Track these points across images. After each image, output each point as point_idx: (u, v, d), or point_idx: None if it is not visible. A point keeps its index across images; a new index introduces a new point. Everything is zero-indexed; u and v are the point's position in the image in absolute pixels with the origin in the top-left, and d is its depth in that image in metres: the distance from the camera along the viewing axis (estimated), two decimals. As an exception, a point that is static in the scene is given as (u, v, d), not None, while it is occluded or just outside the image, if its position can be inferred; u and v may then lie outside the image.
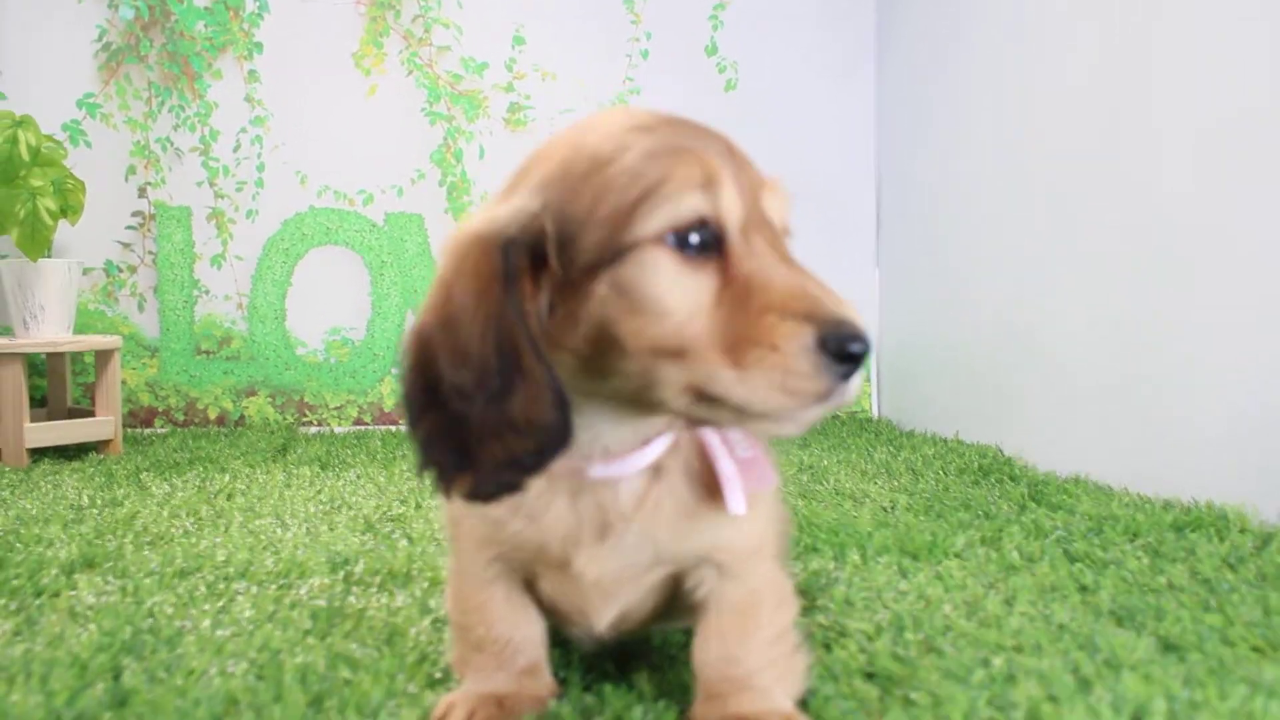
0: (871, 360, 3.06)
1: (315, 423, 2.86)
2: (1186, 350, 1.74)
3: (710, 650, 0.84)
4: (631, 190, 0.68)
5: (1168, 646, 1.03)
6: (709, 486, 0.81)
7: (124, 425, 2.75)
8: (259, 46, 2.81)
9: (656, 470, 0.80)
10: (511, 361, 0.69)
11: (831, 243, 3.05)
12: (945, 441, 2.47)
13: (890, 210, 3.00)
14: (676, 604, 0.88)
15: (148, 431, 2.75)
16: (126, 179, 2.78)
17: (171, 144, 2.79)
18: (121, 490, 1.89)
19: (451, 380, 0.69)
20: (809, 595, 1.22)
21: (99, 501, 1.79)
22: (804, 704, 0.88)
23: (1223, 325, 1.66)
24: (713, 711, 0.83)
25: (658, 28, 2.95)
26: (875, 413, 3.08)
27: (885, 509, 1.72)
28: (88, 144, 2.74)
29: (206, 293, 2.82)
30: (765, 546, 0.87)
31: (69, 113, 2.73)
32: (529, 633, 0.89)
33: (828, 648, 1.04)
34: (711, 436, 0.81)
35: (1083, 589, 1.23)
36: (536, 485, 0.79)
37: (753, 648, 0.84)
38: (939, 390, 2.68)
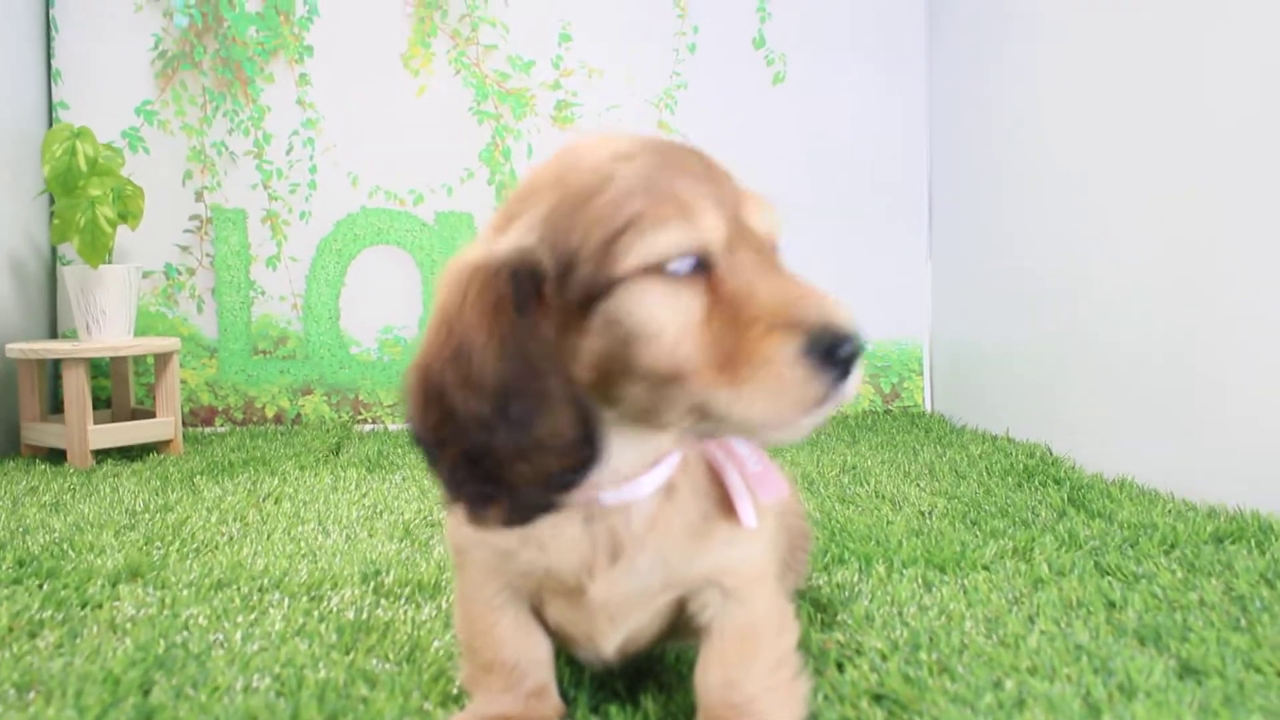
0: (925, 354, 3.03)
1: (369, 420, 2.92)
2: (1240, 353, 1.69)
3: (712, 675, 0.85)
4: (614, 224, 0.69)
5: (1187, 670, 1.01)
6: (720, 502, 0.82)
7: (185, 424, 2.83)
8: (309, 50, 2.86)
9: (668, 490, 0.81)
10: (533, 385, 0.70)
11: (884, 236, 3.01)
12: (994, 439, 2.43)
13: (943, 204, 2.96)
14: (681, 627, 0.90)
15: (208, 431, 2.82)
16: (184, 183, 2.85)
17: (226, 148, 2.85)
18: (175, 494, 1.95)
19: (466, 411, 0.70)
20: (830, 610, 1.22)
21: (152, 507, 1.85)
22: (806, 729, 0.89)
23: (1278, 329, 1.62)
24: (711, 736, 0.84)
25: (704, 21, 2.94)
26: (928, 407, 3.05)
27: (922, 514, 1.70)
28: (146, 150, 2.82)
29: (262, 294, 2.88)
30: (768, 573, 0.88)
31: (128, 120, 2.81)
32: (536, 655, 0.91)
33: (840, 667, 1.04)
34: (719, 453, 0.82)
35: (1110, 605, 1.22)
36: (558, 520, 0.80)
37: (753, 673, 0.85)
38: (992, 386, 2.64)
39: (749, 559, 0.84)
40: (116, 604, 1.29)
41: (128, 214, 2.47)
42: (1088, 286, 2.16)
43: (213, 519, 1.75)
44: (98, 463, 2.33)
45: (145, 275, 2.84)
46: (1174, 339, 1.85)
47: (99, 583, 1.37)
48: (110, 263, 2.46)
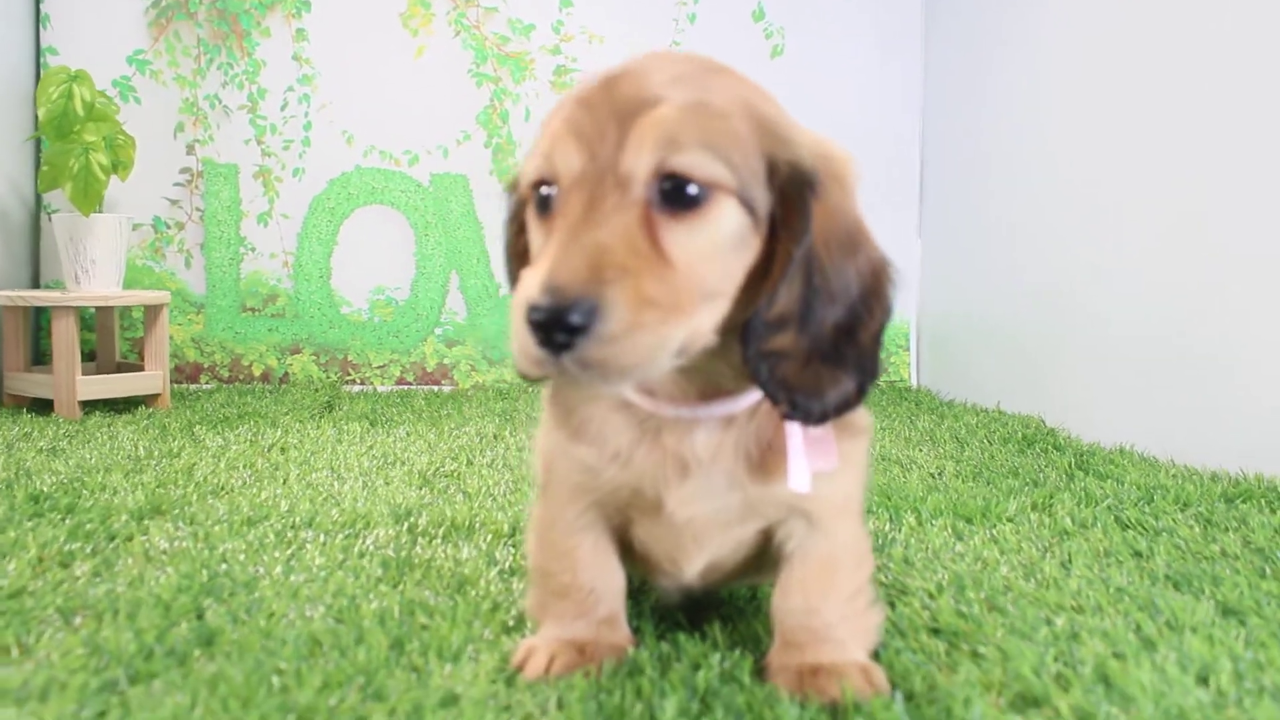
0: (911, 329, 3.06)
1: (358, 381, 2.90)
2: (1232, 321, 1.74)
3: (792, 600, 0.86)
4: (532, 148, 0.77)
5: (1227, 611, 1.04)
6: (777, 452, 0.81)
7: (170, 380, 2.79)
8: (307, 5, 2.82)
9: (728, 424, 0.81)
10: (511, 284, 0.85)
11: (873, 211, 2.97)
12: (987, 411, 2.47)
13: (933, 179, 2.99)
14: (764, 559, 0.90)
15: (193, 387, 2.79)
16: (175, 136, 2.80)
17: (220, 101, 2.81)
18: (176, 442, 1.93)
19: None
20: (866, 555, 1.24)
21: (156, 453, 1.83)
22: (875, 657, 0.90)
23: (1270, 295, 1.66)
24: (790, 660, 0.85)
25: (705, -9, 2.94)
26: (914, 382, 3.09)
27: (933, 475, 1.73)
28: (137, 100, 2.77)
29: (253, 250, 2.85)
30: (853, 504, 0.89)
31: (119, 69, 2.75)
32: (611, 583, 0.91)
33: (891, 605, 1.06)
34: None
35: (1137, 555, 1.25)
36: (627, 429, 0.82)
37: (833, 601, 0.86)
38: (980, 360, 2.68)
39: (835, 491, 0.85)
40: (145, 538, 1.27)
41: (119, 164, 2.42)
42: (1077, 262, 2.20)
43: (221, 465, 1.73)
44: (86, 414, 2.29)
45: (134, 228, 2.79)
46: (1162, 312, 1.90)
47: (123, 518, 1.35)
48: (101, 212, 2.42)
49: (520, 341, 0.67)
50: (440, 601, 1.05)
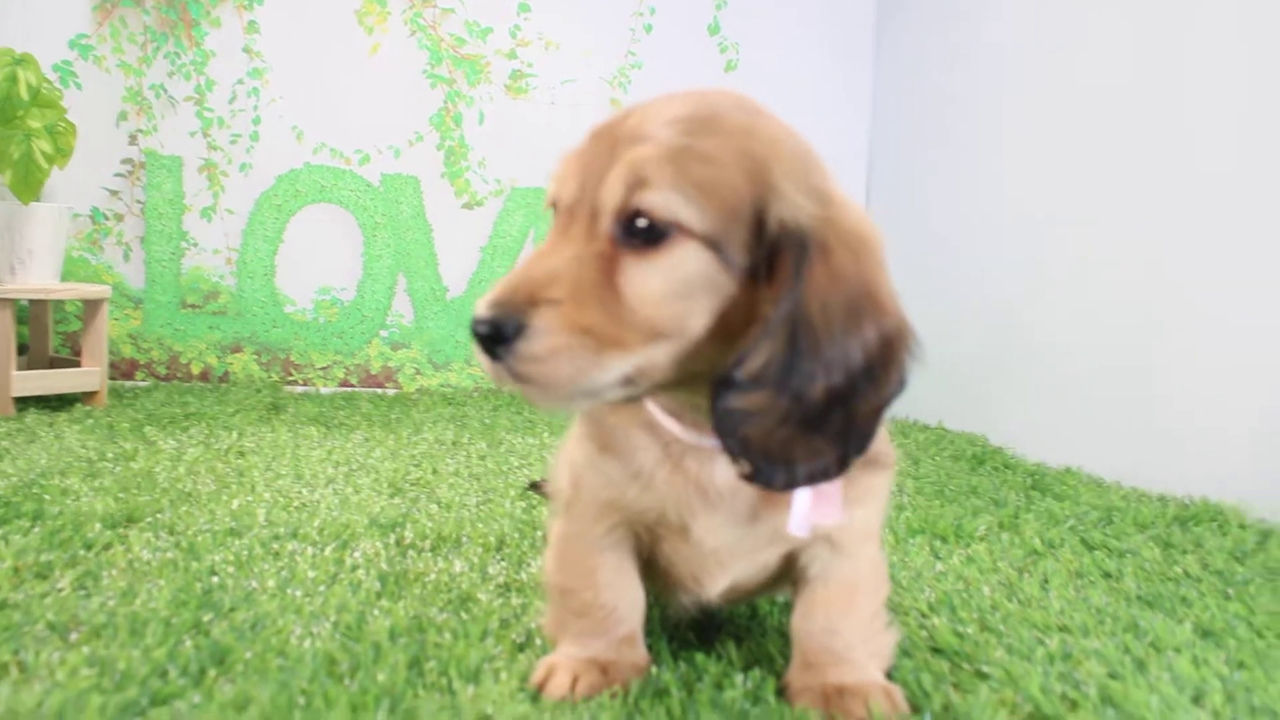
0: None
1: (301, 382, 2.84)
2: (1178, 346, 1.82)
3: (815, 621, 0.88)
4: None
5: (1205, 633, 1.09)
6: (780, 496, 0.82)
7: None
8: (259, -3, 2.76)
9: None
10: None
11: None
12: (931, 429, 2.54)
13: (879, 194, 3.06)
14: (782, 577, 0.93)
15: (129, 384, 2.70)
16: (117, 125, 2.71)
17: (165, 91, 2.73)
18: (128, 444, 1.88)
19: None
20: (852, 573, 1.27)
21: (109, 455, 1.77)
22: (889, 677, 0.93)
23: (1212, 321, 1.74)
24: (813, 680, 0.87)
25: (662, 3, 2.96)
26: (851, 395, 3.14)
27: (894, 491, 1.77)
28: (78, 86, 2.67)
29: (195, 245, 2.77)
30: (874, 530, 0.92)
31: (60, 53, 2.66)
32: (632, 601, 0.92)
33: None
34: None
35: (1107, 575, 1.30)
36: (650, 449, 0.83)
37: (853, 622, 0.89)
38: (922, 377, 2.73)
39: (861, 519, 0.87)
40: (124, 547, 1.24)
41: (58, 151, 2.34)
42: (1021, 282, 2.28)
43: (180, 470, 1.69)
44: (20, 410, 2.21)
45: (73, 218, 2.70)
46: (1105, 335, 1.97)
47: (95, 526, 1.31)
48: (39, 201, 2.33)
49: (476, 349, 0.71)
50: (447, 618, 1.05)
